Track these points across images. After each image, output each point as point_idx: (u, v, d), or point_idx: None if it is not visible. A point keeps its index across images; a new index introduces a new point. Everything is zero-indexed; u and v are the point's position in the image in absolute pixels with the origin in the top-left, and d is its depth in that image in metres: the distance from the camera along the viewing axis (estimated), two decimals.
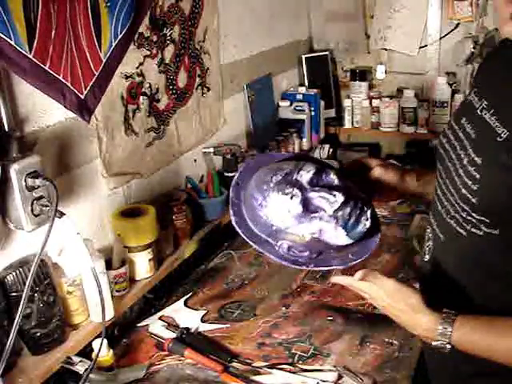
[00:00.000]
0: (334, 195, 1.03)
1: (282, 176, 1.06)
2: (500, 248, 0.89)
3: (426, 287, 1.08)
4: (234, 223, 1.05)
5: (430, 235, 1.05)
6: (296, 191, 1.02)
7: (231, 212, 1.06)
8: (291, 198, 1.02)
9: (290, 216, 1.02)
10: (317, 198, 1.03)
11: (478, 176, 0.87)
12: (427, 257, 1.07)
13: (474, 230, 0.90)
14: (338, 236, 1.02)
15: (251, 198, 1.06)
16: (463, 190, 0.90)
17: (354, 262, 1.05)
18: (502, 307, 0.91)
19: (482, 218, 0.88)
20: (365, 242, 1.08)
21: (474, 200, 0.88)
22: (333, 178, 1.07)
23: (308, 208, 1.02)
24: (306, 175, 1.06)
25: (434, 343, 0.90)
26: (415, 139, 2.52)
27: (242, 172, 1.14)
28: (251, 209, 1.05)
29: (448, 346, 0.89)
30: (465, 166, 0.91)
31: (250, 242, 1.03)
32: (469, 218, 0.90)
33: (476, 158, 0.88)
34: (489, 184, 0.86)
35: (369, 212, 1.07)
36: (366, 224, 1.05)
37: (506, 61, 0.95)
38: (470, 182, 0.89)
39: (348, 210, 1.04)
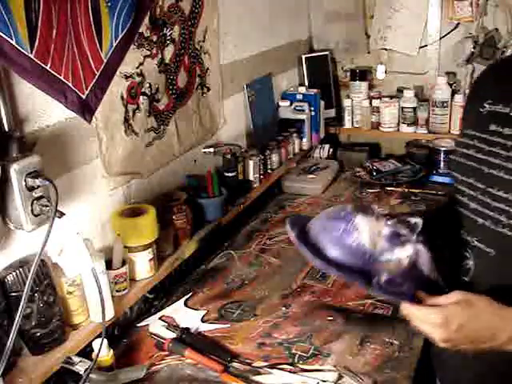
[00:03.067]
0: (413, 216, 0.98)
1: (355, 205, 0.98)
2: None
3: None
4: (321, 267, 0.94)
5: (470, 254, 1.02)
6: (379, 213, 0.95)
7: (312, 256, 0.94)
8: (377, 218, 0.94)
9: (381, 238, 0.93)
10: (396, 223, 0.97)
11: None
12: (467, 278, 1.03)
13: None
14: (429, 261, 0.95)
15: (329, 232, 0.94)
16: None
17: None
18: None
19: None
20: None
21: None
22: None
23: (394, 231, 0.95)
24: (375, 208, 1.00)
25: None
26: (415, 139, 2.52)
27: (292, 225, 1.03)
28: (331, 244, 0.94)
29: None
30: None
31: (352, 280, 0.93)
32: None
33: None
34: None
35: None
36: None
37: None
38: None
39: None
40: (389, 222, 0.96)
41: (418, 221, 0.96)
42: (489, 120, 1.00)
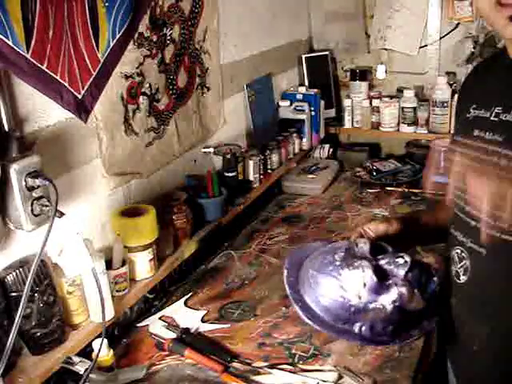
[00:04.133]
0: (402, 257, 1.01)
1: (344, 252, 1.02)
2: None
3: (469, 308, 1.08)
4: (307, 321, 1.00)
5: (464, 254, 1.04)
6: (365, 262, 0.99)
7: (299, 311, 1.01)
8: (363, 270, 0.99)
9: (366, 290, 0.97)
10: (385, 264, 1.00)
11: None
12: (464, 277, 1.06)
13: None
14: (415, 299, 0.99)
15: (317, 285, 1.01)
16: None
17: (429, 329, 1.03)
18: None
19: None
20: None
21: None
22: (386, 246, 1.06)
23: (381, 276, 0.99)
24: (364, 247, 1.03)
25: None
26: (415, 139, 2.52)
27: (288, 268, 1.10)
28: (319, 296, 1.01)
29: None
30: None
31: (333, 334, 0.99)
32: None
33: None
34: None
35: (432, 270, 1.06)
36: (435, 281, 1.03)
37: (504, 69, 1.00)
38: None
39: (416, 270, 1.02)
40: (375, 263, 0.99)
41: (406, 260, 1.00)
42: (473, 125, 1.02)
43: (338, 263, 1.01)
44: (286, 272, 1.10)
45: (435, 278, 1.05)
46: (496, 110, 0.97)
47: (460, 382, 1.18)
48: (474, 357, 1.09)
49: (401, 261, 1.01)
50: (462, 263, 1.05)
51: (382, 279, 0.99)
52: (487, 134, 0.98)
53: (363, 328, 0.98)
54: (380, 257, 1.03)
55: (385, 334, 0.99)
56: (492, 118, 0.98)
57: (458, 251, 1.06)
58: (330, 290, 1.00)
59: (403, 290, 0.98)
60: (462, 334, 1.12)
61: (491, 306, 1.02)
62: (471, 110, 1.04)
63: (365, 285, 0.98)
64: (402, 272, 1.00)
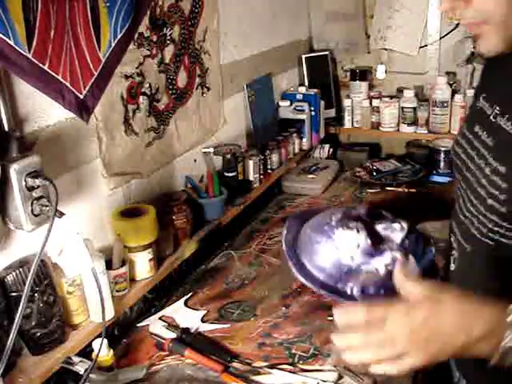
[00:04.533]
0: (399, 222, 1.01)
1: (342, 214, 1.02)
2: None
3: None
4: (300, 278, 1.00)
5: (455, 245, 1.03)
6: (360, 225, 0.99)
7: (293, 267, 1.01)
8: (357, 231, 0.97)
9: (359, 251, 0.96)
10: (381, 228, 1.00)
11: (504, 185, 0.84)
12: (453, 266, 1.05)
13: (502, 239, 0.88)
14: (409, 265, 0.98)
15: (312, 243, 1.01)
16: (489, 201, 0.87)
17: None
18: None
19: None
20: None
21: (503, 209, 0.85)
22: (386, 214, 1.05)
23: (375, 240, 0.98)
24: (362, 210, 1.03)
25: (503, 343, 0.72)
26: (415, 139, 2.52)
27: (288, 227, 1.10)
28: (313, 255, 1.01)
29: None
30: (487, 176, 0.88)
31: (325, 293, 0.98)
32: (496, 228, 0.88)
33: (499, 167, 0.86)
34: None
35: (431, 241, 1.05)
36: (432, 251, 1.03)
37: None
38: (496, 192, 0.86)
39: (413, 237, 1.01)
40: (372, 226, 0.99)
41: (403, 226, 0.99)
42: (476, 119, 0.98)
43: (333, 223, 1.01)
44: (285, 231, 1.10)
45: (433, 248, 1.04)
46: (496, 110, 0.92)
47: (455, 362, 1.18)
48: None
49: (397, 226, 1.00)
50: (452, 252, 1.05)
51: (378, 244, 0.98)
52: (484, 133, 0.93)
53: (354, 289, 0.97)
54: (377, 221, 1.02)
55: (376, 298, 0.98)
56: (491, 118, 0.92)
57: (452, 239, 1.05)
58: (323, 249, 1.00)
59: (397, 254, 0.97)
60: None
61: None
62: (481, 99, 0.98)
63: (358, 246, 0.97)
64: (398, 238, 0.99)
